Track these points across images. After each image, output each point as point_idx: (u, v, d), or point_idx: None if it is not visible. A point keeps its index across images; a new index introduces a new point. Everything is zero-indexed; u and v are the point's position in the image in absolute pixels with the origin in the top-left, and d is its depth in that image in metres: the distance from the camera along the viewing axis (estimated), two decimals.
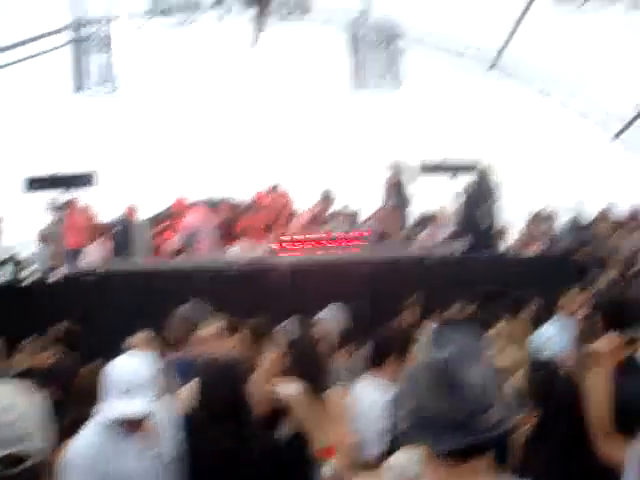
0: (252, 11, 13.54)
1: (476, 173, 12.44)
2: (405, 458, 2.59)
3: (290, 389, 4.05)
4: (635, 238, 14.17)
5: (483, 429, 1.77)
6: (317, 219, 12.56)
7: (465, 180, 12.57)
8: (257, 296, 8.40)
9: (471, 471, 1.82)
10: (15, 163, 14.49)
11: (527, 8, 16.34)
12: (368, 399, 4.24)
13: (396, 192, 12.92)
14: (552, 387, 3.06)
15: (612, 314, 4.16)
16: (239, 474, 3.43)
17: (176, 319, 5.36)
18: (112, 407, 3.37)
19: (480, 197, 12.22)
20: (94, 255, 11.59)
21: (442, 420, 1.80)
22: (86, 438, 3.46)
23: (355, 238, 11.04)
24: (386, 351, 4.30)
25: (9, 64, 16.89)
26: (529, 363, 3.26)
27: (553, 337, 6.10)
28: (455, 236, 12.06)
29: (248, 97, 18.81)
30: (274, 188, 14.18)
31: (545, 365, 3.20)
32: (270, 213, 13.55)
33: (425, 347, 1.81)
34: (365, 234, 11.42)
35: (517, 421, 1.85)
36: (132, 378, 3.43)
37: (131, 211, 12.22)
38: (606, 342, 3.44)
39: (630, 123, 18.58)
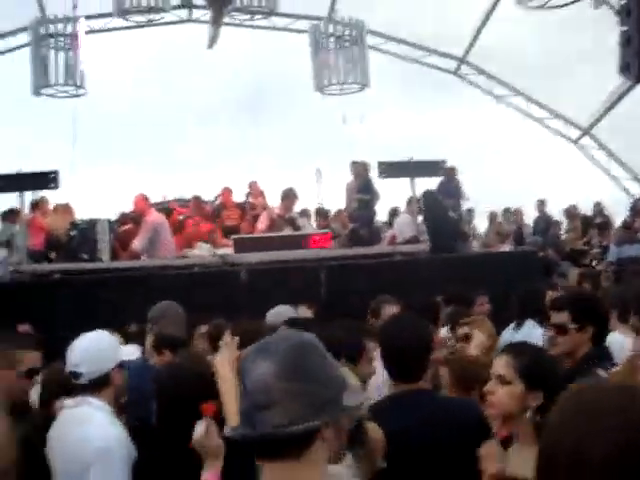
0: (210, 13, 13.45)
1: (440, 174, 12.52)
2: None
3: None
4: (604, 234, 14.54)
5: (259, 425, 1.81)
6: (279, 218, 12.56)
7: (428, 182, 12.65)
8: (217, 297, 8.42)
9: (285, 468, 1.85)
10: None
11: (489, 14, 16.55)
12: None
13: (364, 191, 12.97)
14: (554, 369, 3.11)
15: (580, 310, 4.30)
16: None
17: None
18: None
19: (445, 198, 12.33)
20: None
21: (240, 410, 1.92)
22: (108, 425, 3.35)
23: (318, 238, 11.04)
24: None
25: None
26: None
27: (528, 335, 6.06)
28: (416, 239, 12.13)
29: (211, 98, 18.82)
30: (250, 186, 14.28)
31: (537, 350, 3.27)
32: (235, 212, 13.60)
33: None
34: (328, 235, 11.45)
35: (313, 427, 1.82)
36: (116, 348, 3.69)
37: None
38: None
39: (588, 129, 18.88)
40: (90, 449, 3.19)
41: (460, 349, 4.91)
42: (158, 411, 3.38)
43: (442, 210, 11.94)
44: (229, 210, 13.75)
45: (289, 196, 12.83)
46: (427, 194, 11.92)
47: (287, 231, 11.87)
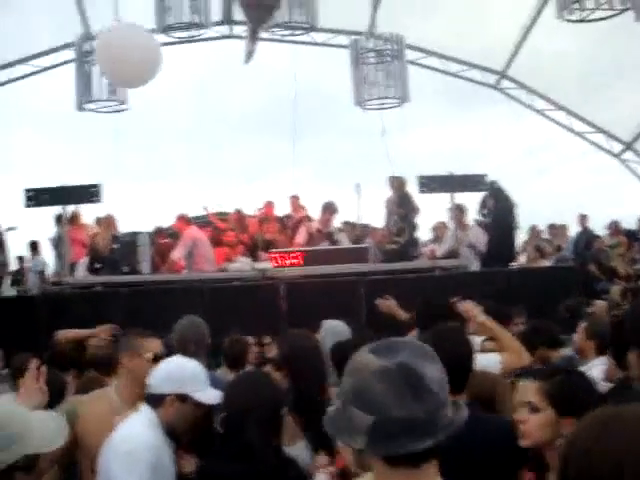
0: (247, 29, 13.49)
1: (490, 190, 12.39)
2: None
3: None
4: None
5: (442, 427, 1.76)
6: (319, 232, 12.58)
7: (470, 196, 12.56)
8: (255, 310, 8.44)
9: (421, 477, 1.79)
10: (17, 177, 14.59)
11: (529, 28, 16.43)
12: None
13: (403, 205, 12.90)
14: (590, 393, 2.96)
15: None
16: None
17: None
18: (209, 395, 3.56)
19: (497, 214, 12.22)
20: (82, 269, 11.70)
21: (408, 424, 1.73)
22: (147, 432, 3.42)
23: (354, 252, 11.04)
24: None
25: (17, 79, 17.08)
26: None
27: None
28: (454, 253, 12.06)
29: (251, 113, 18.91)
30: (293, 198, 14.31)
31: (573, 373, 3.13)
32: (274, 226, 13.65)
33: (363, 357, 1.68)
34: (364, 248, 11.41)
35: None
36: (202, 372, 3.67)
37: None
38: None
39: (631, 143, 18.64)
40: (116, 448, 3.37)
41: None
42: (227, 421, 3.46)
43: (513, 220, 11.80)
44: (269, 223, 13.83)
45: (329, 210, 12.86)
46: (502, 198, 11.78)
47: (324, 245, 11.89)
